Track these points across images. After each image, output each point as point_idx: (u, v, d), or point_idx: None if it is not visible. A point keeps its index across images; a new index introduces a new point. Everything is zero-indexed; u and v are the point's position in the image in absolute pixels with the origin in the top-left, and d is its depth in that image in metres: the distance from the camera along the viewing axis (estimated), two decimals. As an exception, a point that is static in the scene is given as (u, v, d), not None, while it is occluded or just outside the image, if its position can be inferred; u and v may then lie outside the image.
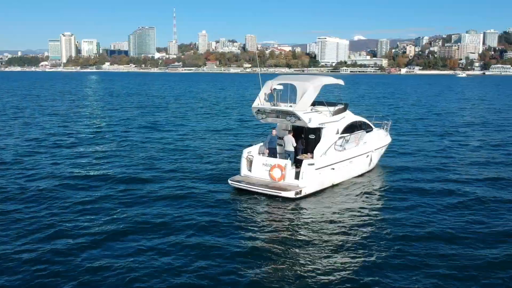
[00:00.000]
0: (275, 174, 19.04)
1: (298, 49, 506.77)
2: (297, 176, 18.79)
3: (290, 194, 18.11)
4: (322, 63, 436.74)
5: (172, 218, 16.07)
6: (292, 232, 14.94)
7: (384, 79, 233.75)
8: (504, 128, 40.74)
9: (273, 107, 19.72)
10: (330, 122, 20.19)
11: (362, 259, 12.83)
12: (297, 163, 19.31)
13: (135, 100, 71.97)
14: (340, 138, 20.40)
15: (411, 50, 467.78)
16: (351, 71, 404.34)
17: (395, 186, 20.46)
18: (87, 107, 58.76)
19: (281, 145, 20.46)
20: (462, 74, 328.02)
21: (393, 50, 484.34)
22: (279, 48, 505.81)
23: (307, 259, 12.88)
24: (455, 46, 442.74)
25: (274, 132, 20.61)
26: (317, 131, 20.36)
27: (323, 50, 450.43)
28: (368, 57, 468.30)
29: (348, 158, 20.60)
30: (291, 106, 19.34)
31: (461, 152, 28.50)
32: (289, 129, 20.79)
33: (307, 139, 20.93)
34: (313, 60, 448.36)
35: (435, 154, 27.77)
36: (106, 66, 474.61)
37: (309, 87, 19.52)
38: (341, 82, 22.31)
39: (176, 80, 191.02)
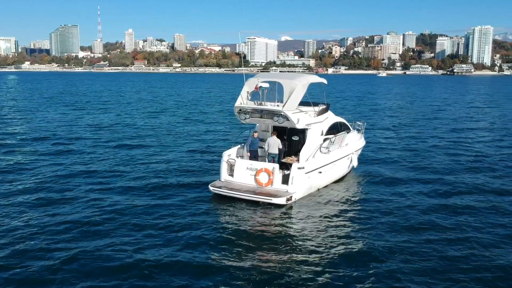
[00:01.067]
0: (262, 179, 17.86)
1: (227, 49, 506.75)
2: (284, 180, 17.76)
3: (281, 201, 17.02)
4: (252, 63, 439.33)
5: (146, 232, 14.33)
6: (284, 241, 14.00)
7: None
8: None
9: (259, 107, 18.45)
10: (316, 123, 19.34)
11: (363, 268, 12.32)
12: (281, 167, 18.31)
13: (78, 100, 68.04)
14: (325, 140, 19.51)
15: (336, 51, 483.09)
16: (280, 71, 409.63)
17: (377, 188, 20.15)
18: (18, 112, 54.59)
19: (262, 147, 19.40)
20: (382, 73, 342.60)
21: (319, 51, 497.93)
22: (208, 47, 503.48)
23: (304, 269, 12.14)
24: (377, 47, 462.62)
25: (255, 134, 19.50)
26: (301, 133, 19.38)
27: (252, 50, 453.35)
28: (296, 57, 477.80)
29: (333, 160, 19.75)
30: (278, 105, 18.20)
31: (423, 147, 29.52)
32: (269, 130, 19.81)
33: (289, 141, 19.91)
34: (243, 60, 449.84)
35: (403, 150, 28.87)
36: (26, 66, 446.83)
37: (297, 85, 18.51)
38: (324, 80, 21.81)
39: (109, 80, 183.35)
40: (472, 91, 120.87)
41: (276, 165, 17.98)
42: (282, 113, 17.91)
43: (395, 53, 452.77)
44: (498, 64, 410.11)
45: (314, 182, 18.67)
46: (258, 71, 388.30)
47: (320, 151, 19.08)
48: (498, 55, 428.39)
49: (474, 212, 16.94)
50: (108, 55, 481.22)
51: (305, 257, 12.88)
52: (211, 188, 18.20)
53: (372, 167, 23.95)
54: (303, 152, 18.39)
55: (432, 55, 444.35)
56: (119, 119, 45.19)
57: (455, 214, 16.79)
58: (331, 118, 20.69)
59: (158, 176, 21.44)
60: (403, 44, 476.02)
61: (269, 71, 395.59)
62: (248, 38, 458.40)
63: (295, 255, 13.05)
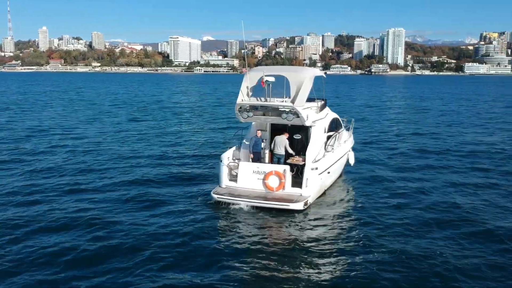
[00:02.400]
0: (272, 183, 16.30)
1: (149, 48, 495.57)
2: (294, 183, 16.50)
3: (299, 206, 15.54)
4: (175, 63, 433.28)
5: (144, 256, 12.33)
6: (304, 251, 12.81)
7: (239, 79, 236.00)
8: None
9: (266, 103, 16.88)
10: (319, 119, 18.19)
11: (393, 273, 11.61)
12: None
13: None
14: (329, 137, 18.47)
15: (259, 51, 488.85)
16: (205, 71, 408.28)
17: (379, 186, 19.73)
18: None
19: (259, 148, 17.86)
20: None
21: (242, 51, 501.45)
22: (129, 46, 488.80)
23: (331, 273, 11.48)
24: (298, 47, 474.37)
25: (259, 133, 17.87)
26: (303, 130, 18.00)
27: (175, 50, 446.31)
28: (220, 57, 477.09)
29: (338, 159, 18.79)
30: (285, 101, 16.80)
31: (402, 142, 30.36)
32: (267, 129, 18.45)
33: (291, 139, 18.38)
34: (166, 60, 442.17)
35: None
36: None
37: (305, 78, 17.21)
38: (323, 74, 21.13)
39: (23, 80, 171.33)
40: (402, 88, 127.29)
41: (287, 167, 16.57)
42: (293, 110, 16.49)
43: (316, 54, 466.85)
44: (410, 65, 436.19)
45: (324, 183, 17.61)
46: (182, 71, 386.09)
47: (326, 149, 17.98)
48: (409, 56, 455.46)
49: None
50: (21, 54, 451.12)
51: (332, 268, 11.98)
52: (214, 196, 16.42)
53: (365, 166, 23.96)
54: (310, 152, 17.03)
55: (350, 55, 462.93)
56: (85, 125, 42.33)
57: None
58: (330, 114, 19.88)
59: (144, 188, 19.01)
60: (323, 45, 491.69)
61: (193, 71, 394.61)
62: (171, 38, 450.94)
63: (320, 265, 12.10)
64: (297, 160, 17.50)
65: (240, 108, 17.21)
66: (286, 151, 17.63)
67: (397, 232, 14.39)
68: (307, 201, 15.90)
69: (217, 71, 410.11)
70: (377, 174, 22.07)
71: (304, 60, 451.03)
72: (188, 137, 34.24)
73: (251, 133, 18.37)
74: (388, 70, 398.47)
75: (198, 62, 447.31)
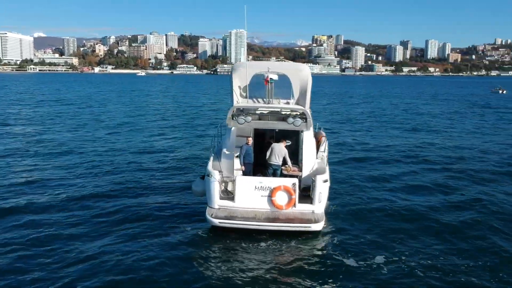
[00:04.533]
0: (281, 200, 13.63)
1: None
2: (302, 198, 14.05)
3: (319, 226, 13.25)
4: (5, 61, 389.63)
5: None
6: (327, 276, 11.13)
7: (82, 78, 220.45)
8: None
9: (271, 106, 14.62)
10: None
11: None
12: None
13: None
14: (321, 142, 16.67)
15: (100, 49, 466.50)
16: (40, 70, 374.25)
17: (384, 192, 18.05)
18: None
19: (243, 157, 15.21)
20: (141, 73, 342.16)
21: (81, 49, 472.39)
22: None
23: None
24: (142, 46, 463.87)
25: (250, 140, 15.10)
26: (294, 136, 15.63)
27: (4, 47, 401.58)
28: (57, 55, 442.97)
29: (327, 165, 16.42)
30: (288, 102, 14.95)
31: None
32: (251, 135, 15.67)
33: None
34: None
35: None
36: None
37: (308, 76, 15.35)
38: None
39: None
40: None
41: (296, 180, 14.02)
42: (302, 114, 14.35)
43: (161, 53, 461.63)
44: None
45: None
46: (13, 70, 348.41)
47: (322, 157, 16.04)
48: (250, 57, 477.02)
49: None
50: None
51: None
52: (214, 220, 13.31)
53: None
54: (306, 160, 15.03)
55: (195, 55, 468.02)
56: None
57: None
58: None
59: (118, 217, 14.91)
60: (167, 45, 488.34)
61: (26, 70, 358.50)
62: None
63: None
64: (293, 170, 15.09)
65: (236, 112, 14.43)
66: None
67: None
68: (323, 219, 13.61)
69: (54, 70, 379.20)
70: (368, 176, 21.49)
71: (150, 59, 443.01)
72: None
73: (231, 140, 15.32)
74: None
75: (31, 60, 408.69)
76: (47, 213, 15.05)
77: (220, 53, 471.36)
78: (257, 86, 15.14)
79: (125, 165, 22.17)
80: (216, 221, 13.24)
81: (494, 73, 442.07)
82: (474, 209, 16.18)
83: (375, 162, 23.97)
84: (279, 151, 14.85)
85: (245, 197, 13.85)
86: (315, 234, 13.32)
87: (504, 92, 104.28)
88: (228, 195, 14.30)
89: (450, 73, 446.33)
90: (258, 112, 14.72)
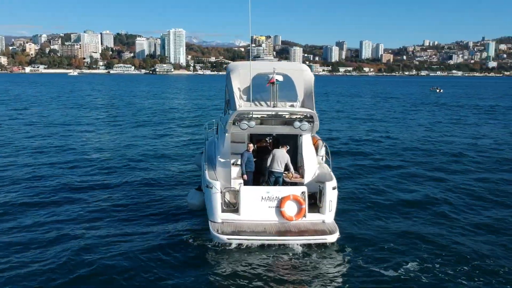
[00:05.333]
0: (290, 211, 12.91)
1: None
2: (311, 208, 13.36)
3: (334, 237, 12.59)
4: None
5: None
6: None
7: (10, 78, 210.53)
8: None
9: (282, 109, 13.69)
10: None
11: None
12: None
13: None
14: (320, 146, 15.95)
15: (31, 48, 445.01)
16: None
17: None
18: None
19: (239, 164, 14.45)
20: (73, 73, 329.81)
21: (10, 48, 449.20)
22: None
23: None
24: (76, 45, 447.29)
25: (251, 146, 14.27)
26: (291, 139, 14.89)
27: None
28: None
29: None
30: (293, 105, 14.04)
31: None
32: (246, 141, 15.00)
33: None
34: None
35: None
36: None
37: (311, 77, 14.64)
38: None
39: None
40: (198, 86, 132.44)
41: (305, 188, 13.34)
42: (310, 117, 13.62)
43: (96, 52, 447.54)
44: (192, 65, 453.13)
45: None
46: None
47: (320, 162, 15.42)
48: (190, 56, 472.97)
49: None
50: None
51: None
52: (222, 237, 12.31)
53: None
54: (308, 166, 14.36)
55: (132, 54, 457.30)
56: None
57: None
58: None
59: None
60: (102, 43, 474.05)
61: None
62: None
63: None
64: (295, 177, 14.43)
65: (238, 116, 13.51)
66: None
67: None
68: (338, 230, 12.93)
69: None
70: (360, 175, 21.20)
71: (84, 58, 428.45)
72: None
73: (226, 147, 14.45)
74: (172, 69, 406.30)
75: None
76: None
77: (158, 53, 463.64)
78: (259, 88, 14.01)
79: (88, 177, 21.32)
80: (224, 237, 12.27)
81: (423, 73, 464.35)
82: (490, 210, 16.39)
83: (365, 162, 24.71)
84: (281, 158, 14.01)
85: (251, 209, 12.94)
86: (326, 245, 12.62)
87: (441, 91, 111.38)
88: (229, 207, 13.27)
89: (384, 73, 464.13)
90: (259, 116, 13.82)
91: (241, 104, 13.97)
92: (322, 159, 15.55)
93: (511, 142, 32.18)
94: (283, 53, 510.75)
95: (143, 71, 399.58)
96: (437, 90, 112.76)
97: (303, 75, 14.66)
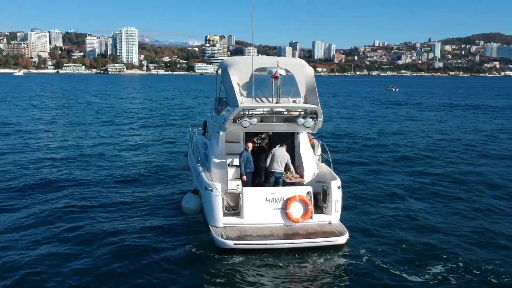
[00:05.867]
0: (296, 213, 12.45)
1: None
2: (314, 208, 12.86)
3: (344, 239, 12.13)
4: None
5: None
6: None
7: None
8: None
9: (288, 105, 12.97)
10: None
11: None
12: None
13: None
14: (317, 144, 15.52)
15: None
16: None
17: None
18: None
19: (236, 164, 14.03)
20: (19, 72, 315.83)
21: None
22: None
23: None
24: (23, 44, 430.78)
25: (250, 146, 13.73)
26: (288, 138, 14.37)
27: None
28: None
29: None
30: (295, 101, 13.33)
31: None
32: (241, 140, 14.58)
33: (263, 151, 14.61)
34: None
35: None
36: None
37: (312, 72, 14.00)
38: None
39: None
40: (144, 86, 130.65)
41: (311, 188, 12.93)
42: (314, 113, 12.89)
43: (45, 52, 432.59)
44: (145, 64, 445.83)
45: None
46: None
47: (319, 160, 15.04)
48: (143, 56, 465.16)
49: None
50: None
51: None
52: (228, 242, 11.59)
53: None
54: (307, 165, 13.97)
55: (82, 54, 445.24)
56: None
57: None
58: None
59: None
60: (50, 43, 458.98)
61: None
62: None
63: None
64: (295, 177, 13.96)
65: (241, 114, 12.63)
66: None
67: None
68: (347, 231, 12.48)
69: None
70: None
71: (32, 57, 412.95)
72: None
73: (221, 147, 13.91)
74: (124, 69, 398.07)
75: None
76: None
77: (110, 52, 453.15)
78: (259, 84, 13.34)
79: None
80: (231, 243, 11.56)
81: (374, 73, 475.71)
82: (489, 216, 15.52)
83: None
84: (281, 157, 13.57)
85: (255, 212, 12.37)
86: (335, 248, 12.09)
87: (396, 90, 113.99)
88: (229, 210, 12.67)
89: (336, 73, 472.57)
90: (259, 113, 12.98)
91: (242, 100, 12.92)
92: (318, 159, 15.11)
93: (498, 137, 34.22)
94: (237, 53, 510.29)
95: (94, 70, 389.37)
96: (393, 89, 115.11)
97: (304, 70, 13.93)
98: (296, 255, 11.67)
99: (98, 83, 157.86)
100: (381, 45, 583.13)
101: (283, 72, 13.09)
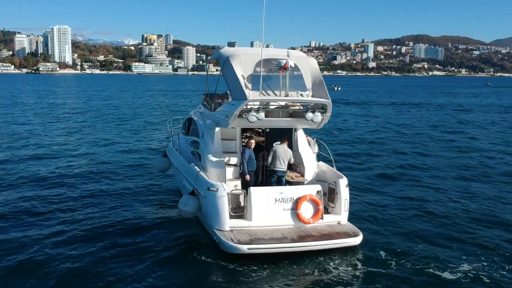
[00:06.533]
0: (307, 213, 11.84)
1: None
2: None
3: (359, 239, 11.59)
4: None
5: None
6: None
7: None
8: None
9: (299, 99, 12.26)
10: None
11: None
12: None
13: None
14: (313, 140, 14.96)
15: None
16: None
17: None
18: None
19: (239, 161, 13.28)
20: None
21: None
22: None
23: None
24: None
25: (252, 143, 13.10)
26: (286, 134, 13.69)
27: None
28: None
29: None
30: (302, 94, 12.54)
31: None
32: (237, 137, 13.68)
33: (269, 147, 13.76)
34: None
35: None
36: None
37: (317, 65, 13.31)
38: None
39: None
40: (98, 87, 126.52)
41: (320, 187, 12.36)
42: (324, 106, 12.17)
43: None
44: (79, 63, 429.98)
45: None
46: None
47: (316, 157, 14.51)
48: (76, 55, 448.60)
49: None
50: None
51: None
52: (242, 247, 10.76)
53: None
54: (307, 163, 13.52)
55: (11, 53, 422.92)
56: None
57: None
58: None
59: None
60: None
61: None
62: None
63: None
64: (296, 176, 13.35)
65: (248, 107, 11.77)
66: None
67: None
68: (360, 231, 11.97)
69: None
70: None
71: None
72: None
73: (216, 144, 13.19)
74: (57, 69, 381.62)
75: None
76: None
77: (41, 51, 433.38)
78: (264, 76, 12.31)
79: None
80: (244, 248, 10.71)
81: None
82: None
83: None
84: (284, 154, 12.89)
85: (263, 213, 11.64)
86: (349, 249, 11.55)
87: (339, 89, 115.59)
88: (233, 212, 11.89)
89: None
90: (273, 107, 12.23)
91: (249, 94, 11.77)
92: (314, 157, 14.53)
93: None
94: (175, 52, 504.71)
95: (25, 70, 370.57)
96: (336, 88, 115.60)
97: (309, 62, 13.10)
98: (309, 258, 11.03)
99: (32, 84, 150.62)
100: (317, 46, 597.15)
101: (292, 64, 12.08)
